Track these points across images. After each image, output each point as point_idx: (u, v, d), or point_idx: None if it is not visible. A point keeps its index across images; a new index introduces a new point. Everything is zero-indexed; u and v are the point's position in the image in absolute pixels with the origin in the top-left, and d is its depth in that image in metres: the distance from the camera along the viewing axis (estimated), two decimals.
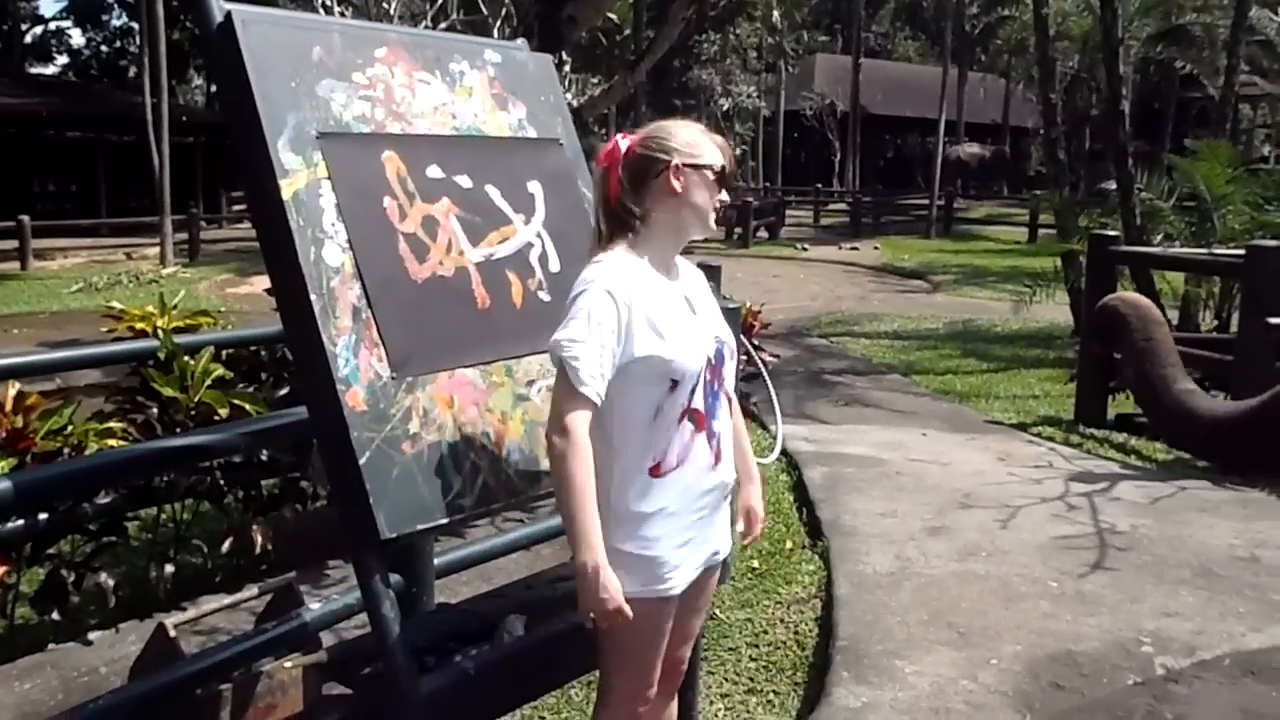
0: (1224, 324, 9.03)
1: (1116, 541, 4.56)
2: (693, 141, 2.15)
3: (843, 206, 30.46)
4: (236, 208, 28.69)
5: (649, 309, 2.07)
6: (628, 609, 2.01)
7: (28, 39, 35.65)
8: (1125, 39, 12.90)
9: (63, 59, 38.15)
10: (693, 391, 2.12)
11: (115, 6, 36.77)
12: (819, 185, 33.16)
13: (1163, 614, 3.88)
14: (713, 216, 2.18)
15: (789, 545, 4.73)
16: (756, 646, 3.78)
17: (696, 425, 2.14)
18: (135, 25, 31.76)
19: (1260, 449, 1.57)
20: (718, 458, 2.20)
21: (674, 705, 2.47)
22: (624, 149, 2.17)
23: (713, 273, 3.85)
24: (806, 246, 23.56)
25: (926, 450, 6.22)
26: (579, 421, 2.01)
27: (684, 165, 2.12)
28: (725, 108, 33.38)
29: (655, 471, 2.10)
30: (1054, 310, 10.75)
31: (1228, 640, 3.68)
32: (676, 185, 2.12)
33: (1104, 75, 10.40)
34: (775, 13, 31.11)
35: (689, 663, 2.50)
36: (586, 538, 1.98)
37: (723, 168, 2.16)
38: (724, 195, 2.19)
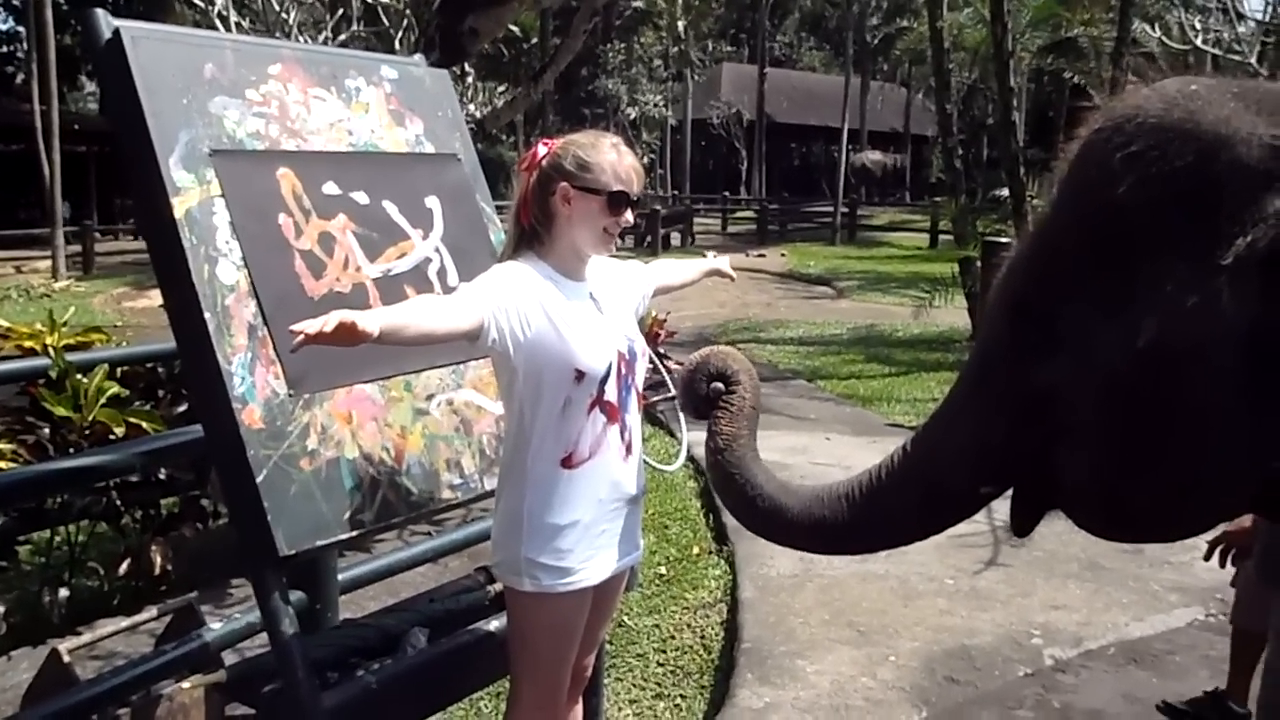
0: None
1: (1009, 538, 4.72)
2: (587, 164, 2.13)
3: (750, 214, 30.75)
4: (133, 219, 27.81)
5: (546, 303, 2.10)
6: (341, 322, 1.77)
7: None
8: (1016, 51, 13.35)
9: None
10: (603, 383, 2.14)
11: (0, 9, 35.42)
12: (726, 193, 33.31)
13: (1052, 607, 4.05)
14: (605, 239, 2.18)
15: (696, 551, 4.81)
16: (664, 651, 3.84)
17: (609, 417, 2.17)
18: (22, 29, 30.58)
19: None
20: (629, 449, 2.23)
21: (578, 709, 2.51)
22: (539, 158, 2.18)
23: None
24: (714, 253, 23.67)
25: (830, 454, 6.36)
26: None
27: (573, 188, 2.13)
28: (632, 116, 33.53)
29: (568, 463, 2.12)
30: (953, 315, 11.03)
31: (1112, 630, 3.86)
32: (564, 209, 2.14)
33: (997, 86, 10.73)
34: (680, 22, 31.37)
35: (593, 669, 2.54)
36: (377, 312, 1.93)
37: (616, 192, 2.13)
38: (628, 216, 2.17)
